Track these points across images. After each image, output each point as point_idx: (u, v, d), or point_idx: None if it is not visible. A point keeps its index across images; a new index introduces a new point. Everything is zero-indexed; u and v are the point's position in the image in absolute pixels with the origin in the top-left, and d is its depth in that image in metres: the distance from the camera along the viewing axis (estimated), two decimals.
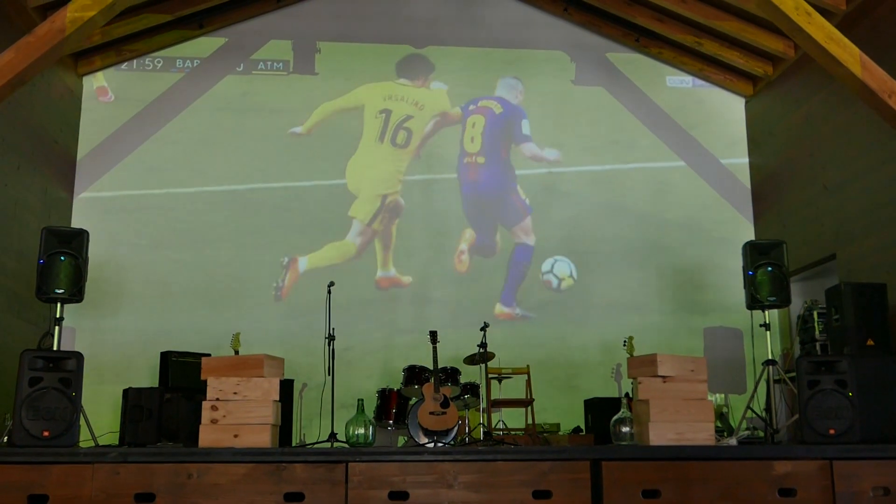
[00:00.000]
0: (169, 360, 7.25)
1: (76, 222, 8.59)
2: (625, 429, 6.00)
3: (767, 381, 6.81)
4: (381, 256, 9.01)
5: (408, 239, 9.10)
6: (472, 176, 9.31)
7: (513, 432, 7.60)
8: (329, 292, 7.10)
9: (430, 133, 9.33)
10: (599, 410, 7.57)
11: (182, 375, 7.13)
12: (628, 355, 6.05)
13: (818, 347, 7.22)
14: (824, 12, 7.08)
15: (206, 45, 9.29)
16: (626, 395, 6.43)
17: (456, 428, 6.57)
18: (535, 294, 9.09)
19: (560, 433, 7.88)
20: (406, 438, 6.95)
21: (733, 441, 5.96)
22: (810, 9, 5.74)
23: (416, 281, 9.00)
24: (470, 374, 7.32)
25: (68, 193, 8.72)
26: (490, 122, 9.42)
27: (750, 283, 6.75)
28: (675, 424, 5.43)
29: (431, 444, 6.34)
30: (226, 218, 8.96)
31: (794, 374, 6.12)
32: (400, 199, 9.14)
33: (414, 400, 6.86)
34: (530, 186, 9.32)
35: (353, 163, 9.18)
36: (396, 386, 7.13)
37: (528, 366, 7.79)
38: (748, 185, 9.51)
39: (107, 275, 8.55)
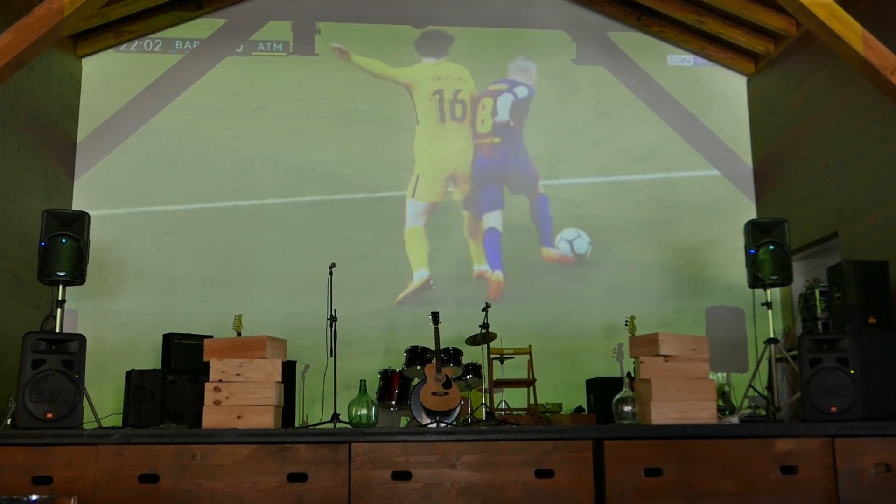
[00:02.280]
0: (171, 342, 7.27)
1: (77, 205, 8.58)
2: (627, 408, 6.01)
3: (769, 360, 6.82)
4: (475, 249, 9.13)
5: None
6: (487, 153, 9.30)
7: (515, 412, 7.62)
8: (331, 273, 7.09)
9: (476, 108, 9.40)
10: (601, 390, 7.59)
11: (185, 357, 7.15)
12: (630, 335, 6.06)
13: (820, 326, 7.22)
14: None
15: (205, 26, 9.24)
16: (628, 374, 6.44)
17: (458, 408, 6.58)
18: (534, 275, 9.09)
19: (562, 413, 7.90)
20: (408, 419, 6.97)
21: (735, 419, 5.98)
22: None
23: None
24: (472, 354, 7.33)
25: (69, 176, 8.71)
26: (501, 103, 9.40)
27: (752, 262, 6.75)
28: (677, 403, 5.45)
29: (434, 425, 6.35)
30: (228, 199, 8.94)
31: (795, 352, 6.13)
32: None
33: (416, 381, 6.87)
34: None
35: (418, 144, 9.24)
36: (399, 367, 7.15)
37: (529, 346, 7.80)
38: (750, 163, 9.49)
39: (109, 257, 8.55)
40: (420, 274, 8.96)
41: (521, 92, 9.43)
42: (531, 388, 7.66)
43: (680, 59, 9.69)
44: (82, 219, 6.21)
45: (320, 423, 6.89)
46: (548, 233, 9.18)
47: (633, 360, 5.81)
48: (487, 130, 9.34)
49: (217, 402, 5.27)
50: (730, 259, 8.81)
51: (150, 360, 8.07)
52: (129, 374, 6.86)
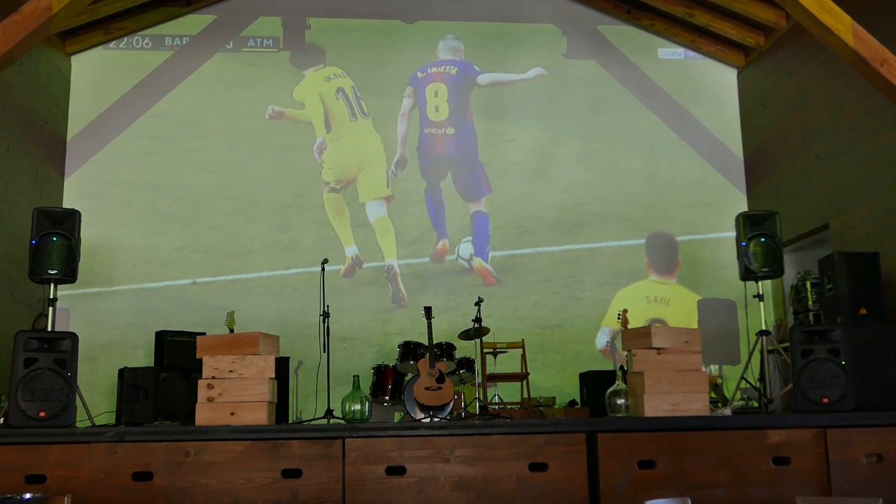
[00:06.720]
0: (164, 340, 7.24)
1: (67, 203, 8.54)
2: (620, 401, 6.02)
3: (761, 352, 6.84)
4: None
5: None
6: (439, 148, 9.26)
7: (508, 406, 7.63)
8: (323, 269, 7.08)
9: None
10: (595, 383, 7.60)
11: (177, 354, 7.13)
12: (623, 328, 6.07)
13: (811, 317, 7.24)
14: None
15: (194, 22, 9.21)
16: (621, 367, 6.45)
17: (452, 403, 6.59)
18: (526, 271, 9.10)
19: (555, 406, 7.91)
20: (402, 414, 6.98)
21: (728, 411, 6.00)
22: None
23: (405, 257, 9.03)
24: (465, 349, 7.34)
25: (59, 174, 8.68)
26: (452, 87, 9.36)
27: (743, 255, 6.76)
28: (670, 396, 5.46)
29: (427, 420, 6.36)
30: (218, 195, 8.93)
31: (787, 344, 6.15)
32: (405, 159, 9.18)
33: (409, 376, 6.88)
34: (512, 158, 9.31)
35: (334, 150, 9.14)
36: (392, 362, 7.15)
37: (522, 340, 7.80)
38: (741, 156, 9.51)
39: (100, 255, 8.53)
40: (350, 251, 8.95)
41: (453, 70, 9.33)
42: (524, 381, 7.66)
43: (670, 53, 9.70)
44: (73, 217, 6.18)
45: (314, 419, 6.88)
46: (483, 247, 9.12)
47: (626, 353, 5.82)
48: (442, 119, 9.30)
49: (210, 399, 5.26)
50: (721, 252, 8.83)
51: (142, 357, 8.05)
52: (121, 372, 6.84)
